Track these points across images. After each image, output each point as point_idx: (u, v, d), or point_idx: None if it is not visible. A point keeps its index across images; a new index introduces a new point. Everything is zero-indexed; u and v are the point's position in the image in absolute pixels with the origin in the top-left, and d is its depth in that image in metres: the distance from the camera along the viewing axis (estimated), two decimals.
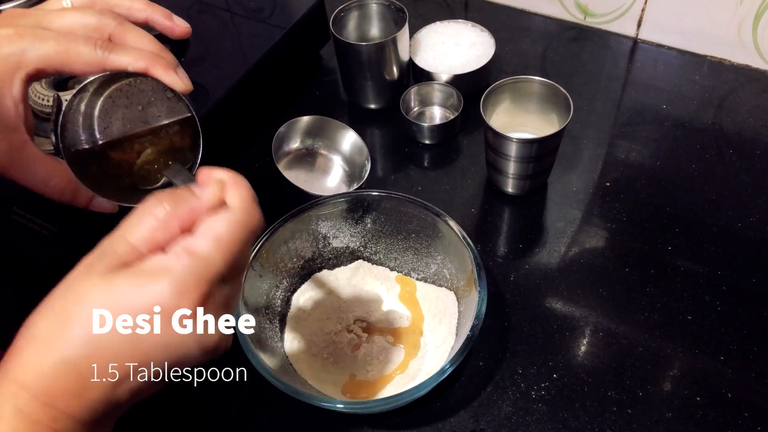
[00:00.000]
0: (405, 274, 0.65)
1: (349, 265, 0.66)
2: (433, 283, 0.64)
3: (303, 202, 0.67)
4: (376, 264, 0.66)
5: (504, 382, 0.58)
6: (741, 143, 0.75)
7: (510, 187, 0.71)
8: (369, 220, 0.64)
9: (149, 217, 0.35)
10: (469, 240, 0.57)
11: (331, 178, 0.73)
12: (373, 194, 0.61)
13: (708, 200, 0.70)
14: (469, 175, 0.75)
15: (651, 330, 0.61)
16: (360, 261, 0.66)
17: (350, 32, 0.82)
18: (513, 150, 0.66)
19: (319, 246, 0.64)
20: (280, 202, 0.70)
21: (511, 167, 0.68)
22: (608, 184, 0.73)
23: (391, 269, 0.66)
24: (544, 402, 0.57)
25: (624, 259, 0.66)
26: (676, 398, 0.56)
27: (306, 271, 0.65)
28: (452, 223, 0.58)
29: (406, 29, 0.76)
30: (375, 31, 0.84)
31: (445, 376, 0.50)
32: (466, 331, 0.53)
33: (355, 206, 0.63)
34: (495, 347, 0.61)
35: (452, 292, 0.61)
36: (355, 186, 0.70)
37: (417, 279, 0.65)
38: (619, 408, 0.56)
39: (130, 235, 0.34)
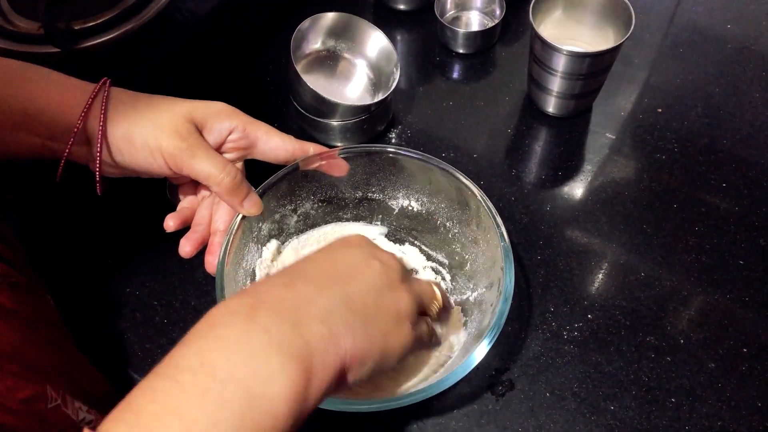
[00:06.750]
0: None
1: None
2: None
3: (321, 109, 0.60)
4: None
5: (534, 321, 0.54)
6: None
7: (552, 107, 0.64)
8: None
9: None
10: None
11: (353, 86, 0.66)
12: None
13: None
14: (507, 92, 0.68)
15: (698, 273, 0.56)
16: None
17: None
18: (561, 64, 0.59)
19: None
20: (296, 108, 0.64)
21: (557, 84, 0.61)
22: (660, 110, 0.66)
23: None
24: (576, 343, 0.53)
25: (672, 194, 0.60)
26: (721, 348, 0.52)
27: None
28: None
29: None
30: None
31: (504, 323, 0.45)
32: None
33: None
34: (524, 283, 0.56)
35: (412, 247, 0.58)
36: (381, 96, 0.63)
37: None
38: (657, 354, 0.52)
39: None
